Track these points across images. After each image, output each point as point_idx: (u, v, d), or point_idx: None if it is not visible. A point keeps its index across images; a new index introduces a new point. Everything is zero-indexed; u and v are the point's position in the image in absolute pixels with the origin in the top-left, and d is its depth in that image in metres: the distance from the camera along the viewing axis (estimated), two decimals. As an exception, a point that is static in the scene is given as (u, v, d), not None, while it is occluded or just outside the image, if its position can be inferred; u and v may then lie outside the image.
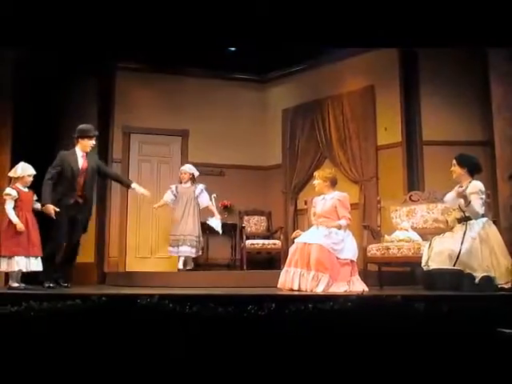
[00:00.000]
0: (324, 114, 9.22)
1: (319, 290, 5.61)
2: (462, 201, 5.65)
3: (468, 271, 5.45)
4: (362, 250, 6.51)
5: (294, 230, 9.12)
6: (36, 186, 6.19)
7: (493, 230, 5.67)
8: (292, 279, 5.83)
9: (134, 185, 7.10)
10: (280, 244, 8.95)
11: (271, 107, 10.08)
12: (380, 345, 3.43)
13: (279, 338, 3.49)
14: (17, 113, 7.41)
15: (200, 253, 8.42)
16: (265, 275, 7.12)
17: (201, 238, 8.31)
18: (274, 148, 9.88)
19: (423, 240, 6.36)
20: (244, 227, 9.23)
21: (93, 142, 6.48)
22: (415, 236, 6.50)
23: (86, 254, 8.30)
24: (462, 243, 5.55)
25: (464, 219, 5.72)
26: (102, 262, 8.84)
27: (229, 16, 5.30)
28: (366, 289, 5.68)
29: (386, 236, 6.68)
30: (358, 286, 5.75)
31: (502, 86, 6.86)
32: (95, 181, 6.76)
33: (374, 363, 3.34)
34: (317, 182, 6.28)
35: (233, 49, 8.53)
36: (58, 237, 6.25)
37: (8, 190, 5.97)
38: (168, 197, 8.30)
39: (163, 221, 8.98)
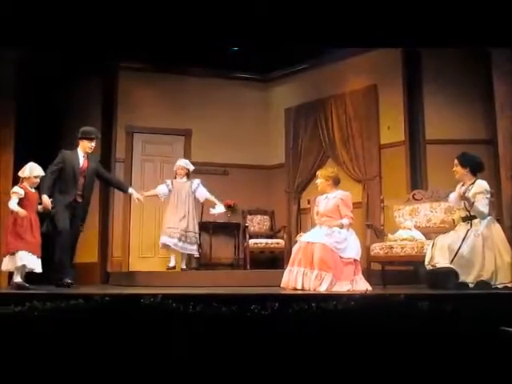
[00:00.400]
0: (327, 114, 9.22)
1: (322, 289, 5.60)
2: (465, 201, 5.66)
3: (462, 279, 5.48)
4: (366, 249, 6.50)
5: (297, 230, 9.20)
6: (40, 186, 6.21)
7: (497, 229, 5.67)
8: (295, 278, 5.83)
9: (130, 190, 7.22)
10: (283, 243, 8.95)
11: (274, 106, 10.07)
12: (383, 344, 3.43)
13: (282, 337, 3.49)
14: (20, 113, 7.42)
15: (200, 251, 8.43)
16: (268, 274, 7.12)
17: (198, 236, 8.27)
18: (277, 147, 9.87)
19: (426, 239, 6.36)
20: (247, 226, 9.24)
21: (93, 144, 6.54)
22: (418, 235, 6.49)
23: (89, 254, 8.34)
24: (463, 240, 5.55)
25: (469, 218, 5.72)
26: (105, 262, 8.86)
27: (229, 16, 5.30)
28: (370, 288, 5.68)
29: (389, 235, 6.67)
30: (362, 285, 5.74)
31: (505, 84, 6.84)
32: (94, 182, 6.78)
33: (377, 362, 3.34)
34: (319, 181, 6.28)
35: (235, 48, 8.51)
36: (61, 226, 6.28)
37: (15, 189, 5.98)
38: (161, 190, 8.16)
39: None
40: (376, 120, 8.65)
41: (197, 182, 8.25)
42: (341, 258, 5.81)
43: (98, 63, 8.64)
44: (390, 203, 7.22)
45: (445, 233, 5.94)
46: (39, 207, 6.13)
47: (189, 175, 8.30)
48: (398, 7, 5.23)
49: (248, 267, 8.75)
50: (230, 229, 9.61)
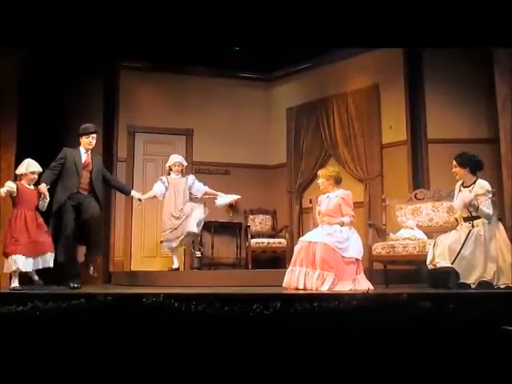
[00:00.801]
0: (329, 113, 9.22)
1: (324, 288, 5.60)
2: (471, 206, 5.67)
3: (464, 281, 5.47)
4: (367, 249, 6.49)
5: (299, 229, 9.20)
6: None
7: (499, 229, 5.66)
8: (297, 278, 5.83)
9: (132, 192, 7.25)
10: (285, 243, 8.95)
11: (276, 106, 10.07)
12: (385, 343, 3.42)
13: (285, 337, 3.49)
14: (21, 112, 7.43)
15: (201, 251, 8.38)
16: (270, 274, 7.12)
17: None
18: (279, 147, 9.87)
19: (428, 238, 6.35)
20: (249, 226, 9.23)
21: (91, 139, 6.53)
22: (420, 234, 6.49)
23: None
24: (465, 241, 5.55)
25: (470, 218, 5.71)
26: (107, 262, 8.85)
27: (230, 15, 5.30)
28: (372, 287, 5.67)
29: (391, 234, 6.67)
30: (364, 285, 5.74)
31: (507, 83, 6.84)
32: (101, 179, 6.75)
33: (379, 361, 3.34)
34: (320, 181, 6.27)
35: (237, 48, 8.50)
36: (64, 232, 6.25)
37: (8, 182, 5.98)
38: (158, 189, 7.87)
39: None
40: (378, 119, 8.65)
41: (192, 177, 8.08)
42: (343, 257, 5.80)
43: (100, 63, 8.65)
44: (392, 202, 7.21)
45: (447, 232, 5.94)
46: (40, 203, 6.12)
47: (183, 171, 8.15)
48: (398, 7, 5.22)
49: (250, 267, 8.74)
50: (231, 228, 9.62)
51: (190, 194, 7.96)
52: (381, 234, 6.90)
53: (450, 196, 6.41)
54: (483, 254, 5.51)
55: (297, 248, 6.05)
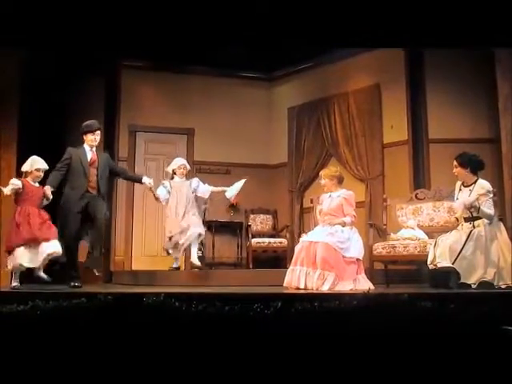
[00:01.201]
0: (330, 113, 9.22)
1: (325, 288, 5.60)
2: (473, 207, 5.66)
3: (465, 281, 5.47)
4: (368, 249, 6.49)
5: (299, 229, 9.19)
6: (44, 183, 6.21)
7: (500, 229, 5.65)
8: (298, 278, 5.82)
9: (144, 179, 7.01)
10: (286, 242, 8.95)
11: (277, 105, 10.08)
12: (386, 343, 3.42)
13: (285, 336, 3.49)
14: (22, 112, 7.43)
15: (202, 250, 8.32)
16: (271, 274, 7.11)
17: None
18: (280, 146, 9.87)
19: (429, 238, 6.35)
20: (250, 226, 9.23)
21: (96, 136, 6.51)
22: (421, 234, 6.49)
23: (92, 253, 8.32)
24: (466, 241, 5.55)
25: (471, 218, 5.70)
26: (107, 261, 8.85)
27: (231, 16, 5.30)
28: (372, 287, 5.66)
29: (391, 234, 6.67)
30: (364, 285, 5.73)
31: (508, 82, 6.83)
32: (107, 176, 6.72)
33: (379, 361, 3.34)
34: (324, 181, 6.26)
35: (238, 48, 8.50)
36: (69, 233, 6.23)
37: (13, 180, 5.95)
38: (162, 193, 7.49)
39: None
40: (379, 119, 8.65)
41: (196, 180, 7.76)
42: (343, 257, 5.80)
43: (101, 62, 8.65)
44: (393, 202, 7.20)
45: (447, 232, 5.93)
46: (44, 200, 6.11)
47: (187, 175, 7.90)
48: (399, 7, 5.22)
49: (251, 266, 8.75)
50: (232, 228, 9.62)
51: (196, 196, 7.65)
52: (381, 233, 6.89)
53: (450, 196, 6.40)
54: (484, 254, 5.50)
55: (297, 248, 6.05)
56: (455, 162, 5.87)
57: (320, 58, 9.22)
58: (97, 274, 6.51)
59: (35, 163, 6.04)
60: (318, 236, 5.92)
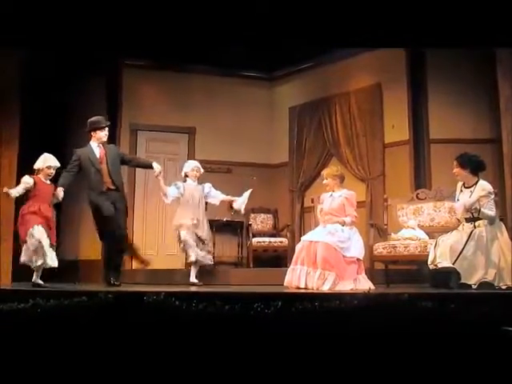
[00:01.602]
0: (331, 112, 9.21)
1: (325, 288, 5.60)
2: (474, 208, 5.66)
3: (465, 282, 5.47)
4: (369, 248, 6.50)
5: (300, 228, 9.19)
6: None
7: (501, 230, 5.65)
8: (298, 277, 5.83)
9: (154, 164, 6.75)
10: (286, 242, 8.95)
11: (278, 105, 10.07)
12: (386, 343, 3.43)
13: (285, 336, 3.49)
14: (24, 111, 7.44)
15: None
16: (271, 273, 7.12)
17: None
18: (281, 146, 9.87)
19: (430, 238, 6.35)
20: (250, 225, 9.22)
21: (106, 132, 6.48)
22: (422, 234, 6.49)
23: (92, 252, 8.33)
24: (467, 241, 5.55)
25: (472, 219, 5.70)
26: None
27: (231, 15, 5.30)
28: (373, 287, 5.67)
29: (392, 234, 6.67)
30: (365, 285, 5.74)
31: (509, 83, 6.82)
32: (119, 168, 6.63)
33: (380, 361, 3.34)
34: (326, 181, 6.26)
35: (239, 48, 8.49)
36: (111, 231, 6.23)
37: (25, 177, 5.96)
38: (172, 192, 7.21)
39: (170, 219, 8.95)
40: (380, 119, 8.64)
41: (208, 185, 7.48)
42: (344, 257, 5.81)
43: (102, 61, 8.65)
44: (394, 202, 7.21)
45: (448, 232, 5.93)
46: (54, 199, 6.11)
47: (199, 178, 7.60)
48: (400, 7, 5.22)
49: (251, 266, 8.75)
50: (233, 227, 9.61)
51: (206, 203, 7.47)
52: (382, 233, 6.90)
53: (451, 196, 6.40)
54: (484, 254, 5.50)
55: (298, 247, 6.05)
56: (455, 163, 5.87)
57: (321, 57, 9.21)
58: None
59: (47, 161, 6.05)
60: (318, 236, 5.92)
